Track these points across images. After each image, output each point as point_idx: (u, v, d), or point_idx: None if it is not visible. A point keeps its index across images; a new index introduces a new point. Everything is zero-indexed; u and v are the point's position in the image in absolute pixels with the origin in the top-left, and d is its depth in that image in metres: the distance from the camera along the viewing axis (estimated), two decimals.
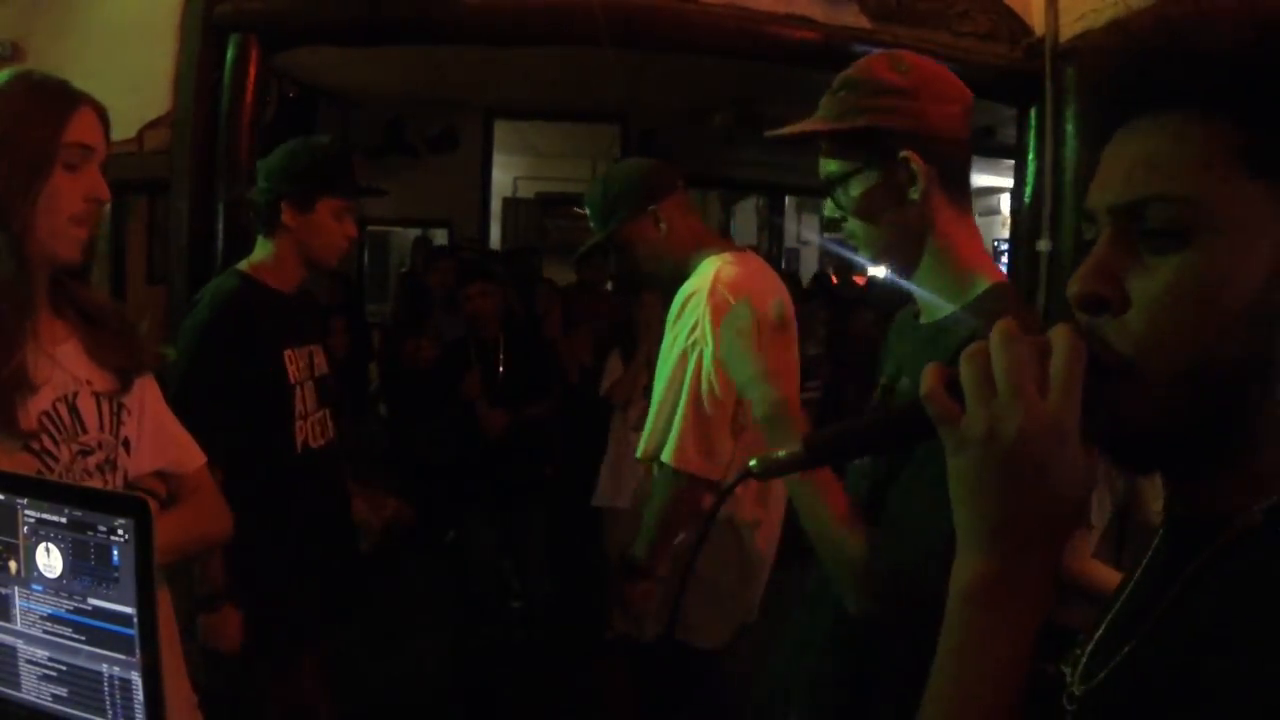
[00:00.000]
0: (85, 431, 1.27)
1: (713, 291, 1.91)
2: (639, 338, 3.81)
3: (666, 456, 1.90)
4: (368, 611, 3.44)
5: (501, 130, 6.89)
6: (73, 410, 1.26)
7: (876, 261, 1.27)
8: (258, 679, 2.04)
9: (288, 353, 2.09)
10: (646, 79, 5.15)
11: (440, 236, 6.81)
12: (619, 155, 6.68)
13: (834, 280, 8.01)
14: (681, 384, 1.93)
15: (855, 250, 1.28)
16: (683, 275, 2.05)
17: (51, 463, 1.22)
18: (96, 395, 1.29)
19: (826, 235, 11.12)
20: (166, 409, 1.43)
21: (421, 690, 3.42)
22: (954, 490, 0.61)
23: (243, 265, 2.13)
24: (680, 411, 1.91)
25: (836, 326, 5.29)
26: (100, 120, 1.27)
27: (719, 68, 4.20)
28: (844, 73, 1.24)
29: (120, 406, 1.33)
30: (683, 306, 1.97)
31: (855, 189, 1.22)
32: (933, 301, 1.24)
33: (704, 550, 1.95)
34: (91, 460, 1.28)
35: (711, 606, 2.01)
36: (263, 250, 2.13)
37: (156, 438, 1.40)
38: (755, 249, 2.74)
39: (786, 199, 8.90)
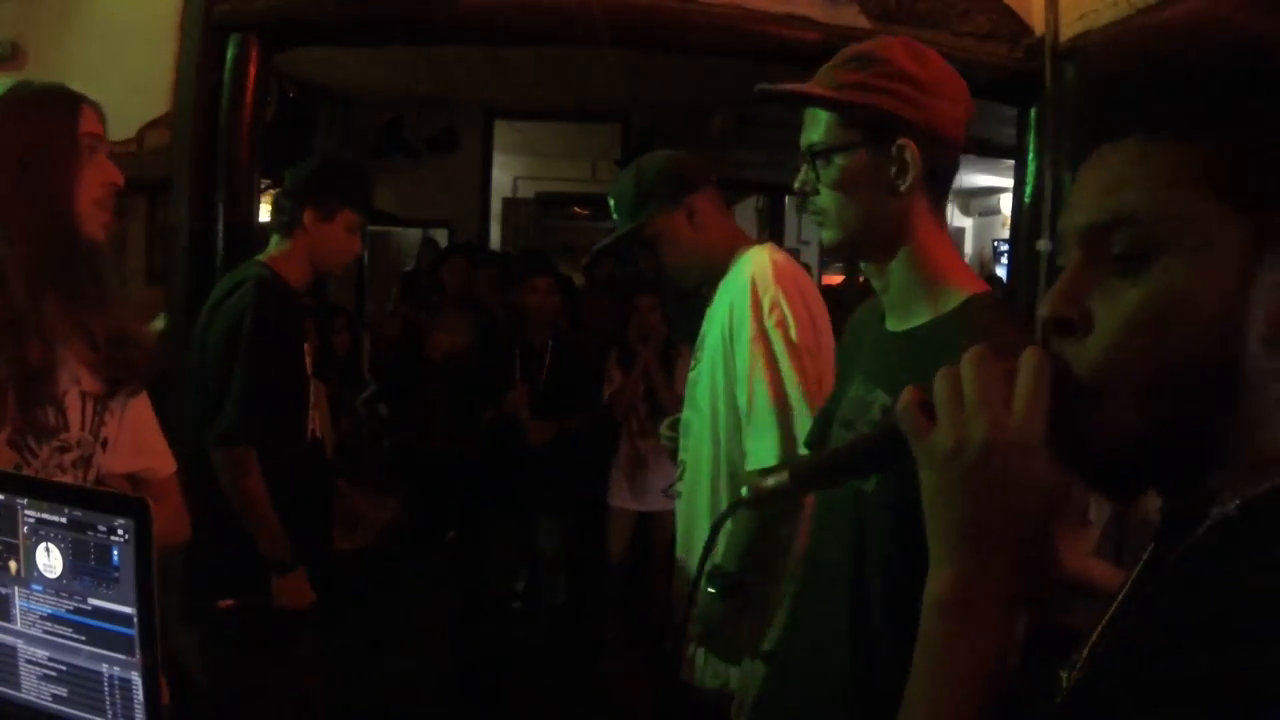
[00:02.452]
0: (67, 430, 1.31)
1: (780, 275, 1.83)
2: (636, 343, 3.77)
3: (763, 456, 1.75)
4: (368, 611, 3.45)
5: (501, 130, 6.87)
6: (59, 411, 1.29)
7: (839, 243, 1.21)
8: (258, 667, 2.07)
9: (306, 346, 2.25)
10: (646, 79, 5.15)
11: (441, 237, 6.80)
12: (619, 155, 6.67)
13: None
14: (763, 372, 1.78)
15: (820, 226, 1.22)
16: (715, 272, 1.96)
17: (30, 458, 1.26)
18: (83, 394, 1.33)
19: None
20: (150, 413, 1.46)
21: (421, 690, 3.42)
22: (925, 504, 0.63)
23: (263, 258, 2.26)
24: (764, 403, 1.77)
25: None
26: (99, 115, 1.37)
27: (719, 68, 4.19)
28: (858, 46, 1.18)
29: (104, 408, 1.37)
30: (752, 293, 1.82)
31: (840, 162, 1.17)
32: (905, 305, 1.18)
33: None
34: (68, 457, 1.31)
35: None
36: (278, 248, 2.27)
37: (134, 441, 1.43)
38: None
39: (786, 199, 8.88)
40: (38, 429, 1.25)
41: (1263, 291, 0.56)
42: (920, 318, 1.16)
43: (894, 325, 1.21)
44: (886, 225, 1.17)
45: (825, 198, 1.19)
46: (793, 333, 1.80)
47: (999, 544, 0.61)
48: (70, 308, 1.29)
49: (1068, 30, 3.26)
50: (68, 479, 1.31)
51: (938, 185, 1.18)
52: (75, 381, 1.32)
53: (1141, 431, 0.58)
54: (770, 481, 0.73)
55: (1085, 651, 0.63)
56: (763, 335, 1.81)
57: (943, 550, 0.63)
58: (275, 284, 2.16)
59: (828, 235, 1.21)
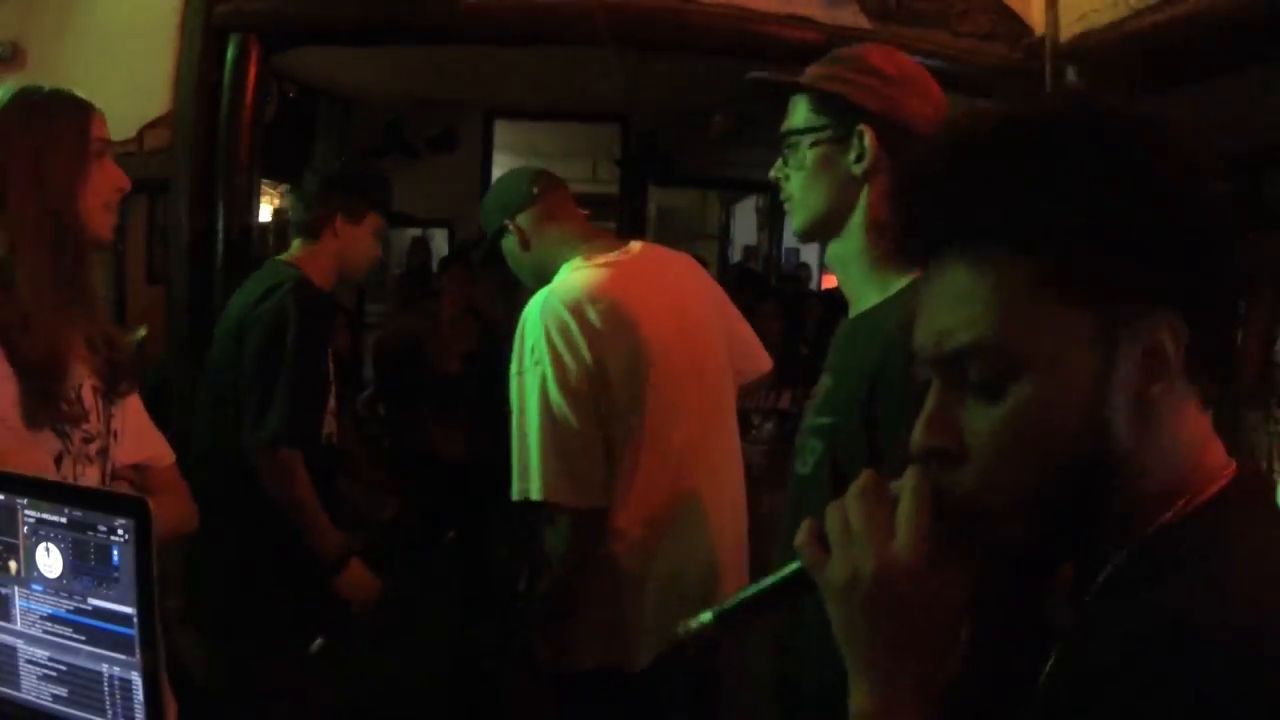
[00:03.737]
0: (87, 420, 1.37)
1: (545, 305, 1.79)
2: None
3: (535, 493, 1.77)
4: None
5: (501, 130, 6.87)
6: (79, 398, 1.36)
7: (804, 227, 1.28)
8: (263, 667, 2.07)
9: (331, 351, 2.28)
10: (646, 79, 5.14)
11: (440, 237, 6.80)
12: (619, 155, 6.67)
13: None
14: (529, 409, 1.77)
15: (789, 213, 1.30)
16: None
17: (69, 444, 1.32)
18: (94, 389, 1.39)
19: None
20: (143, 409, 1.53)
21: (421, 690, 3.41)
22: (834, 630, 0.66)
23: (288, 259, 2.27)
24: (534, 440, 1.76)
25: (828, 326, 5.23)
26: (104, 121, 1.41)
27: (719, 68, 4.18)
28: (840, 48, 1.30)
29: (111, 401, 1.43)
30: (520, 330, 1.82)
31: (807, 147, 1.25)
32: (858, 290, 1.26)
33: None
34: (93, 447, 1.37)
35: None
36: (303, 250, 2.28)
37: (136, 433, 1.49)
38: (755, 249, 2.68)
39: None
40: (66, 417, 1.31)
41: (1121, 371, 0.57)
42: (868, 302, 1.23)
43: (851, 313, 1.28)
44: (845, 208, 1.24)
45: (794, 182, 1.27)
46: (549, 372, 1.75)
47: (906, 663, 0.63)
48: (73, 307, 1.33)
49: (1068, 30, 3.25)
50: (95, 469, 1.37)
51: None
52: (85, 376, 1.38)
53: (1029, 535, 0.61)
54: (694, 624, 0.76)
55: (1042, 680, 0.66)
56: (520, 374, 1.80)
57: (854, 675, 0.65)
58: (310, 287, 2.18)
59: (795, 220, 1.29)
